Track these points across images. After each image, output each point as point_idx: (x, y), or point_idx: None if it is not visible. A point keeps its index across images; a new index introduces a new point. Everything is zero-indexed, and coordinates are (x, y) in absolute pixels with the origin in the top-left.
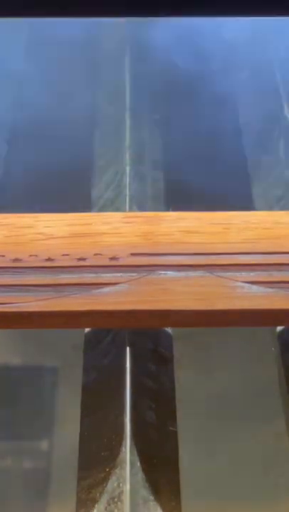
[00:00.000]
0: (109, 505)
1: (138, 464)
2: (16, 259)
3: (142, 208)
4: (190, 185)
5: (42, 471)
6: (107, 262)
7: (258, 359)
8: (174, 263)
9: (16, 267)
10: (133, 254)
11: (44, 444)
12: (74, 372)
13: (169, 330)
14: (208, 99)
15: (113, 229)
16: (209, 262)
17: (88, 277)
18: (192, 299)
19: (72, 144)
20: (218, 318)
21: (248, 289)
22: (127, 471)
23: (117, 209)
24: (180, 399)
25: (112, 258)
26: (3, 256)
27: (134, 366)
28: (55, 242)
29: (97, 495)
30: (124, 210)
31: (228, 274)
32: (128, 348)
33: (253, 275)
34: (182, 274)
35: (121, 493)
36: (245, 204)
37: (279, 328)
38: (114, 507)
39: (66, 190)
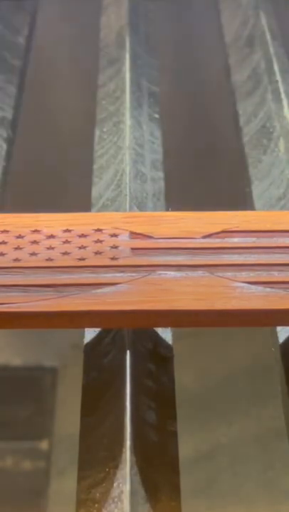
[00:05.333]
0: (109, 505)
1: (138, 464)
2: (16, 259)
3: (142, 208)
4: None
5: (42, 471)
6: (107, 262)
7: (258, 358)
8: (174, 263)
9: (16, 267)
10: (133, 255)
11: (44, 444)
12: (74, 372)
13: (168, 330)
14: None
15: (113, 229)
16: (209, 262)
17: (88, 277)
18: (192, 299)
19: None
20: (218, 318)
21: (248, 289)
22: (127, 471)
23: (117, 209)
24: (180, 398)
25: (112, 258)
26: (3, 256)
27: (134, 366)
28: (55, 242)
29: (97, 495)
30: (124, 210)
31: (228, 274)
32: (128, 348)
33: (253, 275)
34: (182, 274)
35: (121, 493)
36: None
37: (279, 329)
38: (114, 507)
39: (66, 190)
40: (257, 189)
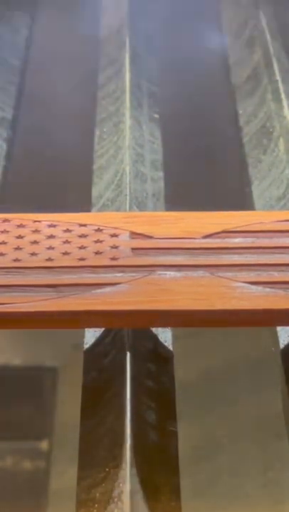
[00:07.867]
0: (109, 505)
1: (138, 464)
2: (16, 259)
3: (142, 208)
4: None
5: (42, 471)
6: (107, 262)
7: (258, 359)
8: (174, 263)
9: (16, 267)
10: (133, 255)
11: (44, 444)
12: (74, 372)
13: (168, 330)
14: None
15: (113, 229)
16: (209, 262)
17: (88, 277)
18: (192, 299)
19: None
20: (218, 318)
21: (248, 289)
22: (127, 471)
23: (117, 209)
24: (179, 398)
25: (112, 258)
26: (3, 256)
27: (134, 366)
28: (55, 242)
29: (97, 495)
30: (124, 210)
31: (228, 274)
32: (128, 349)
33: (253, 275)
34: (182, 274)
35: (121, 493)
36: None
37: (279, 329)
38: (114, 507)
39: (66, 190)
40: (257, 189)
